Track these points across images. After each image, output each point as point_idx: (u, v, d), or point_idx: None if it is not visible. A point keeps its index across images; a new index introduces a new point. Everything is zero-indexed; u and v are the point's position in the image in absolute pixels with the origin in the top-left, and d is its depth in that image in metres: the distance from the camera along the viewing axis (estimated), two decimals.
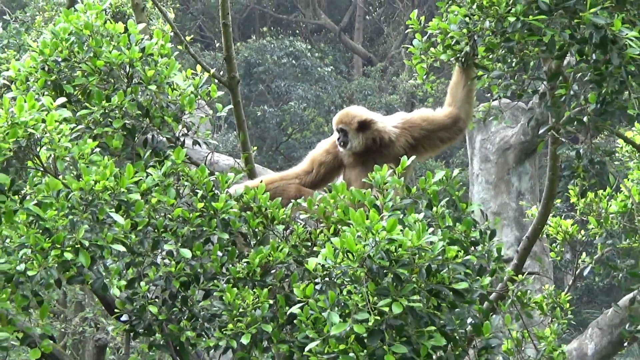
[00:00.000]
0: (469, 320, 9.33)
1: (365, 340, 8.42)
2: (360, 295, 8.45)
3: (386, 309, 8.26)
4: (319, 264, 8.60)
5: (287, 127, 43.64)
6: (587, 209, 12.01)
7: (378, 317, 8.30)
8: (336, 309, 8.48)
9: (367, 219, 8.49)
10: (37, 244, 8.14)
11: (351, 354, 8.30)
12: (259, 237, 9.64)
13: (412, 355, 8.53)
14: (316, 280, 8.81)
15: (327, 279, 8.68)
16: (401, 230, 8.43)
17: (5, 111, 8.62)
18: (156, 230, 9.06)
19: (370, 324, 8.18)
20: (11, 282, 8.14)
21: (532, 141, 19.34)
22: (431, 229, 8.85)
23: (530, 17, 9.01)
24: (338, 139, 11.31)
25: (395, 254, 8.43)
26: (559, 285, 15.68)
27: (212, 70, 10.85)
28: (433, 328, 8.56)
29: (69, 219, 8.38)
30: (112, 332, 17.01)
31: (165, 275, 9.07)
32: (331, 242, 8.55)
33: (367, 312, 8.18)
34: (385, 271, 8.50)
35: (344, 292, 8.47)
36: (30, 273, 7.93)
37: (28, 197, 8.57)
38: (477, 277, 9.15)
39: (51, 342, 9.48)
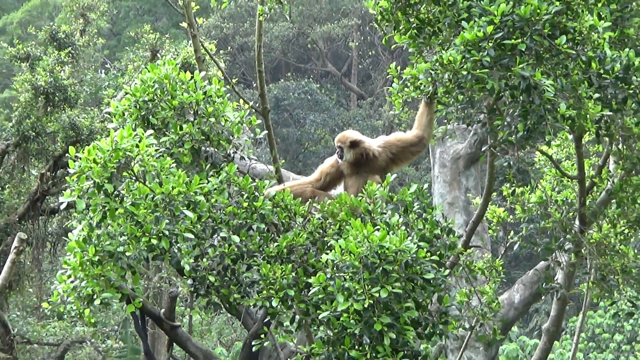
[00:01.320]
0: (435, 295, 11.25)
1: (362, 313, 10.70)
2: (358, 282, 10.41)
3: (376, 294, 10.54)
4: (329, 259, 9.95)
5: (304, 143, 46.70)
6: (514, 200, 13.56)
7: (371, 301, 10.40)
8: (340, 292, 10.52)
9: (364, 228, 9.85)
10: (132, 233, 9.61)
11: (352, 321, 10.40)
12: (285, 227, 10.93)
13: (394, 322, 10.63)
14: (327, 270, 10.07)
15: (335, 268, 10.56)
16: (388, 234, 10.45)
17: (110, 139, 10.69)
18: (214, 222, 10.29)
19: (366, 304, 10.33)
20: (113, 258, 9.59)
21: (475, 153, 21.03)
22: (408, 234, 10.89)
23: (477, 71, 10.86)
24: (337, 153, 12.30)
25: (383, 254, 10.61)
26: (494, 254, 16.68)
27: (251, 103, 11.94)
28: (409, 304, 10.56)
29: (154, 215, 9.72)
30: (181, 288, 18.59)
31: (220, 254, 10.24)
32: (338, 244, 9.77)
33: (362, 295, 10.16)
34: (375, 266, 10.46)
35: (347, 279, 10.46)
36: (127, 253, 9.53)
37: (125, 199, 9.88)
38: (440, 269, 11.09)
39: (141, 298, 11.45)
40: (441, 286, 10.46)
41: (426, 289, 10.17)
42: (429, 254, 10.17)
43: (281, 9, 13.35)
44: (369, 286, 9.61)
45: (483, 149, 11.69)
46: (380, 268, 9.75)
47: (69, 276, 9.88)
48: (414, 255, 9.81)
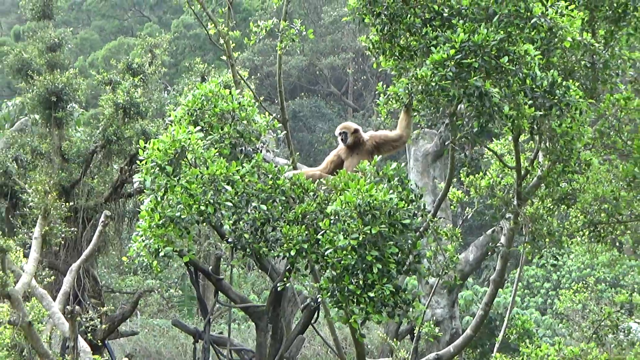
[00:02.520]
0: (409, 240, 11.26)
1: (357, 248, 10.55)
2: (354, 225, 10.46)
3: (368, 232, 10.49)
4: (333, 209, 10.26)
5: (314, 144, 46.93)
6: (469, 184, 13.49)
7: (364, 236, 10.42)
8: (341, 233, 10.60)
9: (357, 186, 10.84)
10: (186, 203, 9.79)
11: (349, 256, 10.42)
12: (300, 199, 10.84)
13: (380, 256, 10.60)
14: (330, 218, 10.79)
15: (337, 216, 10.59)
16: (375, 191, 10.72)
17: (169, 134, 10.71)
18: (247, 195, 10.22)
19: (360, 239, 10.35)
20: (173, 222, 9.72)
21: (440, 150, 21.06)
22: (391, 192, 10.94)
23: (443, 82, 10.82)
24: (341, 137, 12.26)
25: (372, 203, 10.72)
26: (455, 224, 16.71)
27: (274, 115, 11.97)
28: (391, 242, 10.60)
29: (202, 189, 9.80)
30: (223, 249, 18.67)
31: (252, 218, 10.20)
32: (339, 197, 10.78)
33: (357, 234, 10.21)
34: (367, 212, 10.51)
35: (345, 223, 10.48)
36: (183, 217, 9.74)
37: (181, 178, 10.03)
38: (413, 218, 11.14)
39: (194, 252, 11.52)
40: (415, 231, 10.52)
41: (404, 232, 10.17)
42: (407, 207, 10.31)
43: (294, 45, 13.39)
44: (362, 227, 9.67)
45: (446, 143, 11.58)
46: (370, 214, 9.86)
47: (141, 236, 9.99)
48: (395, 206, 9.87)
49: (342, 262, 9.94)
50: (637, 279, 22.46)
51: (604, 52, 11.88)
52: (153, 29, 42.82)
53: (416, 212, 10.62)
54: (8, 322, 13.25)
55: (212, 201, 10.14)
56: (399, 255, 10.28)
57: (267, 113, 11.42)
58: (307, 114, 52.04)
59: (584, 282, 17.99)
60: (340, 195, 10.38)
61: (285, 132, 12.75)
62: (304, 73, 55.64)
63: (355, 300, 10.15)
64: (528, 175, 12.33)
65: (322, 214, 10.38)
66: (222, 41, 14.48)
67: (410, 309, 10.43)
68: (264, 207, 10.46)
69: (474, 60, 10.31)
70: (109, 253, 21.87)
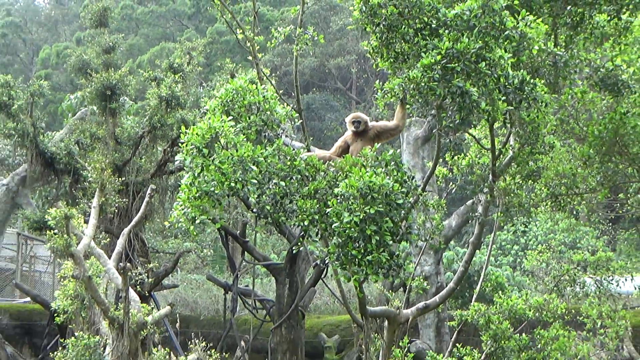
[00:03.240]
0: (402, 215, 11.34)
1: (359, 223, 10.64)
2: (357, 205, 10.50)
3: (368, 211, 10.55)
4: (339, 191, 10.04)
5: (324, 131, 46.85)
6: (452, 163, 13.34)
7: (364, 214, 10.46)
8: (346, 211, 10.61)
9: (359, 172, 10.90)
10: (219, 179, 9.70)
11: (352, 229, 10.48)
12: (312, 177, 11.27)
13: (378, 230, 10.59)
14: (338, 197, 10.80)
15: (343, 197, 10.62)
16: (374, 177, 10.77)
17: (206, 122, 10.74)
18: (269, 174, 10.13)
19: (361, 217, 10.41)
20: (207, 195, 9.64)
21: (428, 135, 21.10)
22: (387, 177, 10.97)
23: (431, 83, 10.79)
24: (354, 124, 12.10)
25: (372, 187, 10.72)
26: (440, 196, 16.75)
27: (291, 106, 11.65)
28: (387, 218, 10.66)
29: (232, 168, 9.67)
30: (249, 217, 18.78)
31: (273, 192, 10.01)
32: (344, 182, 10.86)
33: (359, 212, 10.24)
34: (367, 194, 10.52)
35: (349, 203, 10.52)
36: (216, 191, 9.68)
37: (214, 158, 9.95)
38: (406, 197, 11.16)
39: (223, 221, 11.56)
40: (407, 208, 10.56)
41: (398, 210, 10.16)
42: (401, 189, 10.23)
43: (307, 48, 13.42)
44: (363, 206, 9.67)
45: (433, 130, 11.58)
46: (370, 195, 9.80)
47: (181, 206, 10.00)
48: (391, 189, 9.88)
49: (346, 232, 10.04)
50: (590, 242, 22.44)
51: (564, 53, 11.89)
52: (191, 35, 42.82)
53: (408, 191, 10.70)
54: (72, 276, 13.30)
55: (240, 178, 10.20)
56: (393, 227, 10.38)
57: (285, 104, 11.42)
58: (318, 106, 52.46)
59: (547, 244, 18.02)
60: (345, 178, 10.45)
61: (300, 120, 12.80)
62: (315, 72, 55.74)
63: (356, 263, 10.22)
64: (501, 156, 12.33)
65: (331, 191, 10.44)
66: (248, 44, 14.51)
67: (402, 270, 10.51)
68: (282, 183, 10.50)
69: (456, 64, 10.37)
70: (154, 220, 21.91)
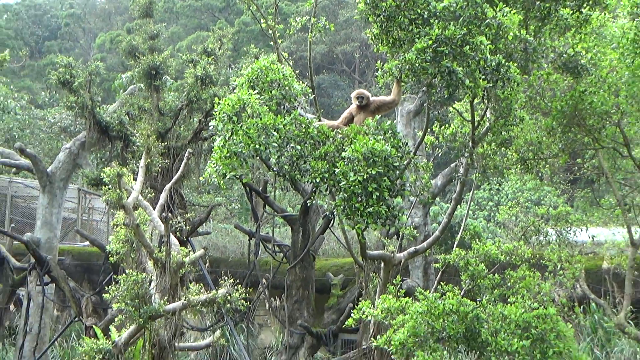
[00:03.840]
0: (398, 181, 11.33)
1: (362, 182, 10.57)
2: (360, 166, 10.46)
3: (369, 172, 10.46)
4: (346, 155, 10.58)
5: (332, 105, 46.57)
6: (439, 132, 13.27)
7: (366, 175, 10.43)
8: (351, 171, 10.62)
9: (363, 139, 10.87)
10: (246, 142, 9.63)
11: (357, 186, 10.43)
12: (323, 142, 11.26)
13: (378, 187, 10.55)
14: (344, 160, 10.71)
15: (349, 160, 10.61)
16: (375, 144, 10.73)
17: (235, 95, 10.61)
18: (287, 139, 10.34)
19: (364, 177, 10.33)
20: (236, 155, 9.39)
21: (420, 108, 21.06)
22: (386, 144, 10.97)
23: (423, 63, 10.81)
24: (359, 99, 12.09)
25: (373, 152, 10.63)
26: (428, 160, 16.74)
27: (305, 84, 11.40)
28: (385, 178, 10.64)
29: (257, 134, 9.43)
30: (269, 176, 18.77)
31: (290, 154, 9.95)
32: (350, 147, 10.81)
33: (362, 173, 10.22)
34: (369, 157, 10.51)
35: (354, 164, 10.50)
36: (243, 152, 9.46)
37: (242, 125, 9.73)
38: (401, 160, 11.16)
39: (248, 178, 11.59)
40: (401, 170, 10.54)
41: (394, 171, 10.17)
42: (396, 153, 10.25)
43: (319, 36, 13.34)
44: (366, 168, 9.66)
45: (424, 105, 11.55)
46: (372, 159, 9.77)
47: (214, 164, 9.98)
48: (389, 154, 9.85)
49: (351, 188, 10.02)
50: (552, 199, 22.39)
51: (533, 41, 11.85)
52: (222, 25, 42.57)
53: (402, 155, 10.67)
54: (123, 224, 13.32)
55: (263, 142, 10.19)
56: (390, 185, 10.36)
57: (301, 82, 11.38)
58: (327, 85, 52.37)
59: (516, 201, 18.03)
60: (350, 144, 10.44)
61: (313, 95, 12.70)
62: (325, 57, 55.65)
63: (359, 214, 10.21)
64: (479, 127, 12.30)
65: (338, 154, 10.42)
66: (270, 32, 14.49)
67: (397, 221, 10.48)
68: (298, 147, 10.49)
69: (445, 48, 10.40)
70: (190, 178, 21.90)
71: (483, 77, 10.69)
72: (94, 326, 15.08)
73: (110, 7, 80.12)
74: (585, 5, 12.58)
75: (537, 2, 12.41)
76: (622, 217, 14.61)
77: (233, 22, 54.78)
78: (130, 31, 48.19)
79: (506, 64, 10.73)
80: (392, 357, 11.60)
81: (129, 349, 12.93)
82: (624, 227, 14.88)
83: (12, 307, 24.98)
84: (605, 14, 13.15)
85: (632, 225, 14.72)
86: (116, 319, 13.50)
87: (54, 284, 20.50)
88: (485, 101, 11.77)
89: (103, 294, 14.17)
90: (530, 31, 12.32)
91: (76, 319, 19.44)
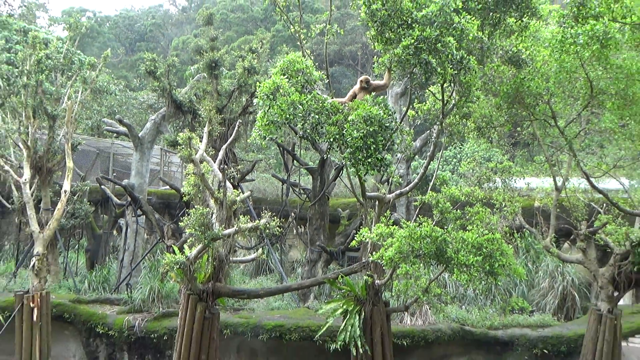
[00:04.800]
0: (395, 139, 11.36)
1: (363, 138, 10.57)
2: (361, 125, 10.44)
3: (368, 129, 10.50)
4: (351, 118, 10.71)
5: (341, 89, 45.79)
6: (418, 108, 13.17)
7: (366, 132, 10.44)
8: (355, 130, 10.62)
9: (364, 106, 10.81)
10: (281, 112, 9.85)
11: (359, 142, 10.42)
12: (334, 112, 11.32)
13: (373, 143, 10.66)
14: (350, 123, 10.72)
15: (353, 122, 10.59)
16: (372, 110, 10.67)
17: (271, 79, 10.64)
18: (309, 111, 10.34)
19: (364, 133, 10.33)
20: (272, 123, 9.49)
21: (404, 90, 20.71)
22: (380, 110, 10.93)
23: (407, 56, 10.76)
24: (363, 83, 11.79)
25: (371, 115, 10.56)
26: (410, 128, 16.62)
27: (321, 72, 11.92)
28: (379, 135, 10.65)
29: (287, 107, 9.62)
30: (296, 139, 18.85)
31: (311, 122, 9.87)
32: (354, 112, 10.80)
33: (363, 131, 10.23)
34: (368, 119, 10.48)
35: (357, 125, 10.47)
36: (277, 120, 9.56)
37: (277, 100, 10.01)
38: (391, 122, 11.13)
39: (281, 140, 11.59)
40: (391, 131, 10.45)
41: (386, 130, 10.18)
42: (387, 117, 10.29)
43: (333, 38, 13.18)
44: (365, 127, 9.60)
45: (407, 87, 11.40)
46: (369, 120, 9.78)
47: (257, 130, 9.91)
48: (382, 116, 9.79)
49: (355, 144, 9.96)
50: (499, 157, 22.22)
51: (487, 41, 11.70)
52: (262, 31, 42.23)
53: (392, 121, 10.58)
54: (192, 173, 13.32)
55: (291, 113, 10.17)
56: (383, 141, 10.30)
57: (319, 71, 11.23)
58: (337, 74, 51.81)
59: (473, 157, 17.87)
60: (355, 111, 10.39)
61: (327, 80, 12.67)
62: (336, 54, 55.14)
63: (361, 164, 10.18)
64: (447, 104, 12.16)
65: (345, 121, 10.36)
66: (296, 35, 14.27)
67: (387, 170, 10.44)
68: (317, 117, 10.48)
69: (423, 45, 10.34)
70: (240, 141, 21.80)
71: (451, 67, 10.62)
72: (172, 245, 15.18)
73: (182, 17, 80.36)
74: (525, 15, 12.43)
75: (490, 13, 12.24)
76: (549, 170, 14.50)
77: (270, 29, 54.42)
78: (196, 35, 47.83)
79: (467, 57, 10.67)
80: (384, 268, 11.67)
81: (197, 262, 13.03)
82: (550, 177, 14.77)
83: (114, 232, 25.17)
84: (539, 22, 12.97)
85: (556, 175, 14.62)
86: (188, 241, 13.56)
87: (144, 216, 20.74)
88: (452, 85, 11.65)
89: (179, 223, 14.26)
90: (485, 34, 12.13)
91: (160, 240, 19.66)
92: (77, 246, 24.12)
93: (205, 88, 21.28)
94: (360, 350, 12.14)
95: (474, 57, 11.13)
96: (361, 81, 11.98)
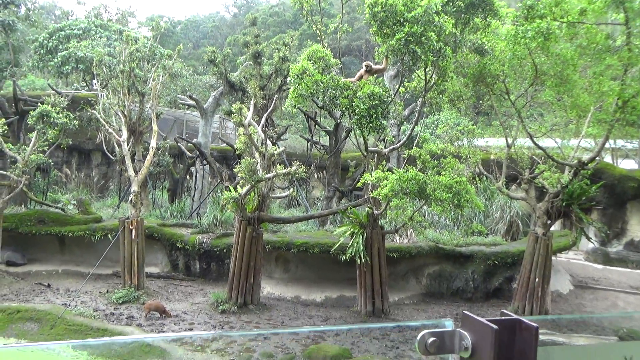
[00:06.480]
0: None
1: (368, 108, 10.43)
2: (366, 99, 10.30)
3: (371, 101, 10.30)
4: (359, 94, 10.66)
5: (350, 74, 44.88)
6: (408, 86, 13.17)
7: (370, 104, 10.27)
8: (361, 102, 10.45)
9: (368, 86, 10.57)
10: (306, 89, 9.71)
11: (364, 112, 10.26)
12: (347, 88, 11.28)
13: (375, 111, 10.54)
14: (358, 97, 10.57)
15: (360, 97, 10.43)
16: (374, 88, 10.47)
17: (301, 63, 10.42)
18: (327, 87, 10.30)
19: (368, 105, 10.19)
20: (301, 96, 9.92)
21: (397, 73, 19.58)
22: (379, 89, 10.72)
23: (400, 47, 10.56)
24: (367, 68, 11.49)
25: (373, 92, 10.38)
26: (401, 100, 16.23)
27: (337, 60, 11.98)
28: (379, 106, 10.48)
29: (312, 84, 9.48)
30: (317, 109, 18.81)
31: (329, 95, 10.32)
32: (361, 90, 10.59)
33: (367, 103, 10.08)
34: (371, 95, 10.30)
35: (363, 99, 10.30)
36: (304, 94, 9.83)
37: (304, 79, 10.54)
38: (387, 97, 10.97)
39: (307, 109, 11.18)
40: (387, 104, 10.21)
41: (384, 104, 9.91)
42: (385, 94, 9.85)
43: (345, 35, 12.85)
44: (369, 101, 9.39)
45: (399, 71, 11.14)
46: (372, 96, 9.49)
47: (289, 101, 9.74)
48: (382, 93, 9.56)
49: (361, 113, 9.79)
50: (465, 122, 21.86)
51: (459, 35, 11.36)
52: (292, 30, 41.40)
53: (388, 96, 10.37)
54: (242, 134, 13.28)
55: (314, 89, 9.96)
56: (382, 111, 10.12)
57: (334, 59, 11.00)
58: (347, 62, 50.26)
59: (447, 123, 17.59)
60: (361, 89, 10.17)
61: (340, 65, 12.43)
62: (346, 47, 53.84)
63: (365, 127, 10.04)
64: (429, 82, 11.90)
65: (354, 95, 10.17)
66: (318, 32, 13.95)
67: (385, 131, 10.32)
68: (333, 92, 10.27)
69: (411, 38, 10.03)
70: (277, 111, 21.62)
71: (431, 55, 10.36)
72: (229, 186, 15.29)
73: (234, 21, 79.38)
74: (488, 16, 12.04)
75: (462, 14, 11.85)
76: (503, 132, 14.25)
77: (298, 29, 53.27)
78: (244, 34, 47.22)
79: (444, 47, 10.39)
80: (380, 202, 11.67)
81: (246, 197, 13.12)
82: (503, 137, 14.53)
83: (188, 176, 25.45)
84: (499, 21, 12.55)
85: (508, 136, 14.37)
86: (240, 182, 13.63)
87: (209, 165, 20.81)
88: (432, 68, 11.40)
89: (233, 170, 14.30)
90: (458, 30, 11.79)
91: (220, 182, 19.78)
92: (161, 186, 24.40)
93: (251, 72, 21.01)
94: (363, 260, 12.29)
95: (449, 48, 10.87)
96: (366, 65, 11.73)
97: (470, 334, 1.06)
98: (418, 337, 1.08)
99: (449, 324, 1.10)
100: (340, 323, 11.83)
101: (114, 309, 12.94)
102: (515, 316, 1.07)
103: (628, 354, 1.22)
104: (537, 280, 12.96)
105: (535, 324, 1.02)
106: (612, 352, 1.23)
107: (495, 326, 1.01)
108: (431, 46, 10.22)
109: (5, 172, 16.21)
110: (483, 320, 1.04)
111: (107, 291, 14.53)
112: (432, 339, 1.07)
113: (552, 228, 15.29)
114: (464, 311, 1.12)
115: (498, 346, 1.02)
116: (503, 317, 1.06)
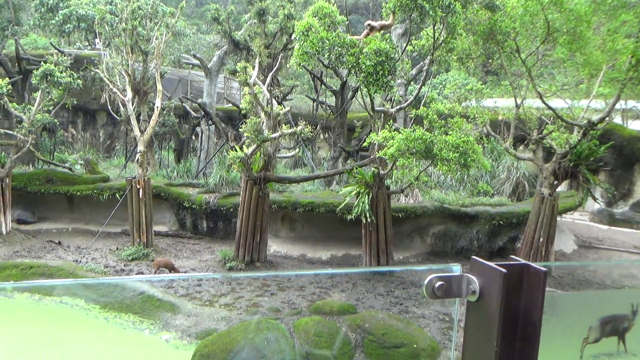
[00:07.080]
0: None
1: (374, 65, 10.23)
2: (373, 56, 10.10)
3: (378, 58, 10.12)
4: (365, 50, 10.48)
5: (356, 32, 43.83)
6: (415, 44, 12.89)
7: (376, 60, 10.09)
8: (367, 60, 10.23)
9: (375, 42, 10.36)
10: (312, 46, 9.25)
11: (371, 69, 10.05)
12: (353, 46, 11.07)
13: (382, 69, 10.33)
14: (364, 54, 10.37)
15: (367, 54, 10.21)
16: (381, 44, 10.24)
17: (306, 20, 10.21)
18: (334, 45, 10.17)
19: (374, 63, 9.99)
20: (306, 53, 9.74)
21: (404, 31, 18.92)
22: (387, 45, 10.48)
23: (407, 3, 10.24)
24: (369, 27, 11.24)
25: (379, 48, 10.17)
26: (409, 59, 15.89)
27: (343, 17, 11.78)
28: (386, 63, 10.27)
29: (317, 41, 9.40)
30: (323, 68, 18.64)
31: (335, 53, 10.14)
32: (368, 46, 10.38)
33: (374, 60, 9.87)
34: (378, 52, 10.07)
35: (370, 55, 10.08)
36: (309, 51, 9.44)
37: (309, 36, 10.34)
38: (395, 54, 10.75)
39: (312, 67, 10.85)
40: (395, 61, 10.03)
41: (391, 60, 9.77)
42: (392, 50, 9.68)
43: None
44: (375, 57, 9.24)
45: (406, 29, 10.84)
46: (379, 52, 9.34)
47: (294, 58, 9.58)
48: (389, 49, 9.39)
49: (368, 70, 9.64)
50: (474, 82, 21.53)
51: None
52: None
53: (395, 53, 10.17)
54: (247, 94, 13.15)
55: (320, 46, 9.78)
56: (389, 68, 9.95)
57: (341, 16, 10.73)
58: (354, 21, 48.58)
59: (455, 82, 17.31)
60: (368, 45, 9.97)
61: (347, 22, 12.17)
62: (353, 5, 52.55)
63: (372, 85, 9.90)
64: (437, 40, 11.63)
65: (360, 52, 9.97)
66: None
67: (392, 90, 10.18)
68: (339, 49, 10.08)
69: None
70: (282, 70, 21.32)
71: (440, 10, 10.07)
72: (235, 146, 15.29)
73: None
74: None
75: None
76: (512, 92, 14.04)
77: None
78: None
79: (454, 2, 10.08)
80: (387, 161, 11.64)
81: (252, 157, 13.12)
82: (512, 97, 14.33)
83: (193, 137, 25.41)
84: None
85: (517, 96, 14.16)
86: (246, 142, 13.62)
87: (214, 125, 20.74)
88: (441, 25, 11.10)
89: (239, 130, 14.24)
90: None
91: (226, 142, 19.77)
92: (167, 147, 24.42)
93: (255, 30, 20.62)
94: (369, 220, 12.36)
95: (459, 3, 10.56)
96: (367, 25, 11.42)
97: (478, 278, 1.06)
98: (425, 281, 1.08)
99: (456, 269, 1.10)
100: (345, 280, 12.02)
101: (124, 265, 13.22)
102: (523, 261, 1.07)
103: (635, 300, 1.22)
104: (541, 240, 13.04)
105: (544, 269, 1.01)
106: (619, 298, 1.24)
107: (504, 270, 1.01)
108: (440, 1, 9.92)
109: (12, 132, 16.25)
110: (491, 264, 1.04)
111: (117, 249, 14.79)
112: (439, 282, 1.07)
113: (559, 189, 15.27)
114: (473, 256, 1.11)
115: (506, 290, 1.02)
116: (511, 262, 1.06)
